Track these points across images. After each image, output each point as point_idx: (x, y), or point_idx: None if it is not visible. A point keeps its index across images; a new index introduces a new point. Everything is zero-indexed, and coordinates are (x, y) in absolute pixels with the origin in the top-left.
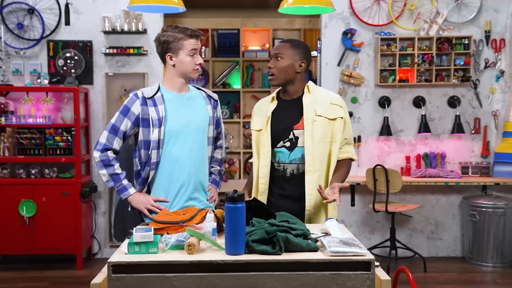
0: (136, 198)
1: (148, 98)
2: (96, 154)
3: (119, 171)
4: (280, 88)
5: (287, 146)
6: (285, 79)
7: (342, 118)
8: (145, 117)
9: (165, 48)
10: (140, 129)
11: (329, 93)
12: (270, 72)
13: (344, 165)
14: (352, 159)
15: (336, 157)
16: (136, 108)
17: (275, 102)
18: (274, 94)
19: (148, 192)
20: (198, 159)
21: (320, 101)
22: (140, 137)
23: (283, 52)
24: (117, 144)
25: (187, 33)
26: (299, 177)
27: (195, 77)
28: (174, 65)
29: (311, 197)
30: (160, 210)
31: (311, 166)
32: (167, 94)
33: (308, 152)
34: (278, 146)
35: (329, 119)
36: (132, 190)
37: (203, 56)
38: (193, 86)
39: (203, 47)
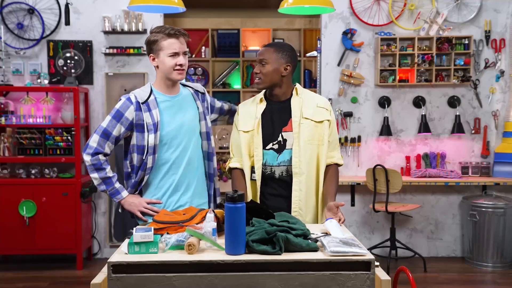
0: (129, 200)
1: (142, 103)
2: (86, 158)
3: (110, 174)
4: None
5: (275, 148)
6: (271, 83)
7: (328, 121)
8: (140, 122)
9: (148, 49)
10: (134, 133)
11: (316, 96)
12: (256, 77)
13: (332, 173)
14: (338, 164)
15: (325, 161)
16: (130, 114)
17: (264, 103)
18: (261, 95)
19: (140, 193)
20: (192, 159)
21: (307, 103)
22: (133, 141)
23: (267, 57)
24: (108, 148)
25: (165, 32)
26: (288, 179)
27: (178, 78)
28: (157, 66)
29: (296, 199)
30: (154, 212)
31: (297, 168)
32: (160, 97)
33: (295, 155)
34: (266, 148)
35: (316, 121)
36: (124, 193)
37: (203, 56)
38: (180, 84)
39: (203, 47)
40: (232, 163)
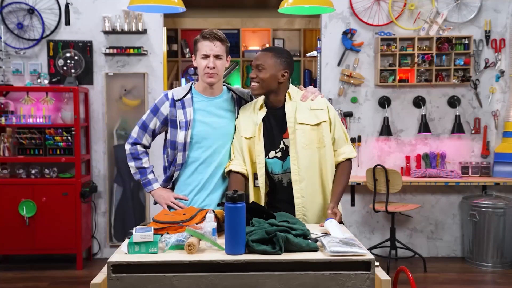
0: (159, 193)
1: (177, 100)
2: (126, 147)
3: (146, 165)
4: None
5: (279, 156)
6: (268, 89)
7: (326, 121)
8: (173, 118)
9: (192, 51)
10: (168, 129)
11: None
12: (253, 82)
13: (343, 169)
14: (350, 158)
15: (331, 161)
16: (165, 109)
17: (264, 110)
18: (261, 101)
19: (173, 188)
20: (222, 162)
21: (301, 107)
22: (168, 136)
23: (265, 62)
24: (146, 140)
25: (202, 34)
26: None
27: (207, 82)
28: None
29: (299, 206)
30: (179, 207)
31: (296, 175)
32: (197, 97)
33: (293, 162)
34: (270, 157)
35: (312, 125)
36: (156, 185)
37: None
38: (226, 86)
39: None
40: (233, 166)
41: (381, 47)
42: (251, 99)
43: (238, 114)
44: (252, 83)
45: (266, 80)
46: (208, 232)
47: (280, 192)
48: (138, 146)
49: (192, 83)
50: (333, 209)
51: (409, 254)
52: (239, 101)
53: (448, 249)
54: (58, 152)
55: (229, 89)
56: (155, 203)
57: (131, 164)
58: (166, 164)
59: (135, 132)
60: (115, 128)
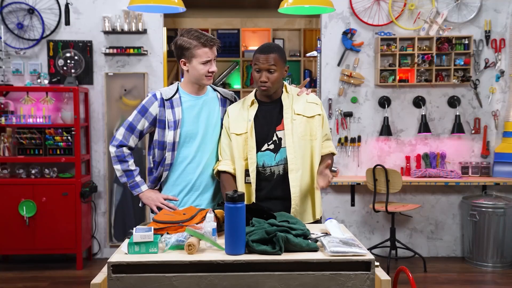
0: (147, 195)
1: (166, 100)
2: (111, 149)
3: (133, 167)
4: (256, 90)
5: (271, 148)
6: (276, 88)
7: (320, 115)
8: (162, 118)
9: (179, 54)
10: (156, 129)
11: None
12: (264, 86)
13: (327, 158)
14: (333, 153)
15: (320, 154)
16: (154, 109)
17: (256, 105)
18: (252, 97)
19: (160, 189)
20: (211, 161)
21: (297, 100)
22: (155, 136)
23: (276, 64)
24: (132, 141)
25: (201, 41)
26: (285, 178)
27: (208, 83)
28: (188, 71)
29: (296, 195)
30: (169, 208)
31: (293, 164)
32: (184, 96)
33: (290, 151)
34: (262, 149)
35: (307, 117)
36: (144, 187)
37: None
38: (210, 86)
39: None
40: (221, 166)
41: (381, 47)
42: (235, 100)
43: (224, 113)
44: (264, 87)
45: (277, 81)
46: (208, 232)
47: (264, 187)
48: (124, 148)
49: (178, 83)
50: (324, 166)
51: (409, 254)
52: (223, 101)
53: (448, 249)
54: (58, 152)
55: (214, 89)
56: (143, 205)
57: (117, 167)
58: (152, 165)
59: (120, 134)
60: (115, 128)
